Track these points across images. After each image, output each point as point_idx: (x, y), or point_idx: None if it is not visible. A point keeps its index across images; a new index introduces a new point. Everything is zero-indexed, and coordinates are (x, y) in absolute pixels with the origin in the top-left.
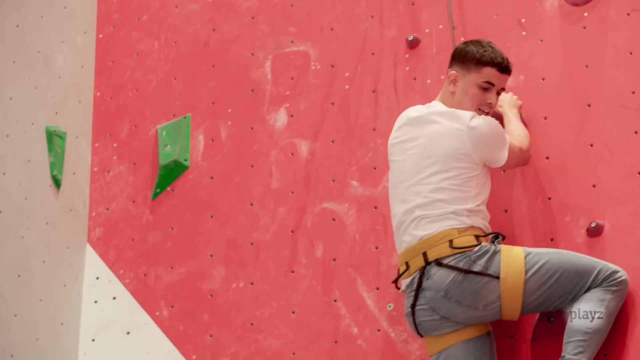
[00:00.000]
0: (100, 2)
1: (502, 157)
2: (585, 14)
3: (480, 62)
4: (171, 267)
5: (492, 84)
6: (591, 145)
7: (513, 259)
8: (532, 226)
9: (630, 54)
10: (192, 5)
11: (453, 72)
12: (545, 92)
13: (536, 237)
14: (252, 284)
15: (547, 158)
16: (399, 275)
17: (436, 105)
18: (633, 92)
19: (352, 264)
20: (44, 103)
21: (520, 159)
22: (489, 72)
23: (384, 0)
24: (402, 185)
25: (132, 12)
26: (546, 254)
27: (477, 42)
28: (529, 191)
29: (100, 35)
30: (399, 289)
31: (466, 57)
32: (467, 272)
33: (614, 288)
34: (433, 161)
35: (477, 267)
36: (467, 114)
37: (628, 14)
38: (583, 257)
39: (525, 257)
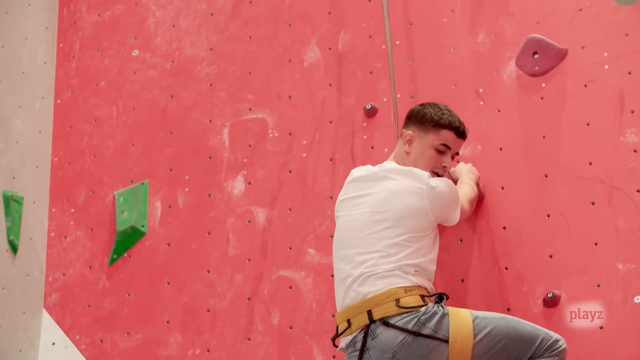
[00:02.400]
0: (58, 67)
1: (456, 217)
2: (543, 85)
3: (438, 124)
4: (127, 333)
5: (449, 147)
6: (548, 216)
7: (461, 322)
8: (489, 296)
9: (587, 125)
10: (151, 71)
11: (409, 132)
12: (502, 162)
13: (493, 307)
14: (208, 351)
15: (504, 228)
16: (339, 333)
17: (390, 164)
18: (590, 164)
19: (309, 332)
20: (1, 168)
21: (465, 217)
22: (447, 135)
23: (341, 69)
24: (349, 239)
25: (91, 78)
26: (493, 319)
27: (435, 105)
28: (485, 261)
29: (59, 101)
30: (336, 347)
31: (424, 118)
32: (417, 334)
33: (555, 358)
34: (386, 216)
35: (426, 330)
36: (424, 173)
37: (585, 86)
38: (527, 324)
39: (473, 321)
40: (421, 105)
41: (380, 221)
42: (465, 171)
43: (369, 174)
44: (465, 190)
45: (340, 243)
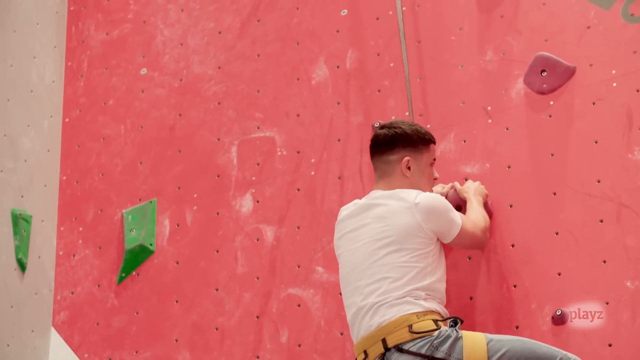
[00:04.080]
0: (66, 85)
1: (453, 230)
2: (551, 103)
3: (426, 140)
4: (136, 352)
5: (435, 159)
6: (556, 234)
7: (475, 345)
8: (498, 313)
9: (596, 142)
10: (159, 90)
11: (407, 157)
12: (511, 180)
13: (501, 324)
14: None
15: (513, 246)
16: None
17: (375, 193)
18: (598, 181)
19: (317, 350)
20: (9, 186)
21: (474, 241)
22: (433, 148)
23: (350, 87)
24: (354, 272)
25: (99, 96)
26: (508, 342)
27: (406, 123)
28: (494, 279)
29: (67, 119)
30: None
31: (412, 139)
32: (430, 358)
33: None
34: (388, 241)
35: (439, 354)
36: (411, 193)
37: (593, 103)
38: (543, 345)
39: (487, 343)
40: (396, 128)
41: (383, 247)
42: (472, 191)
43: (359, 207)
44: (473, 216)
45: (347, 278)
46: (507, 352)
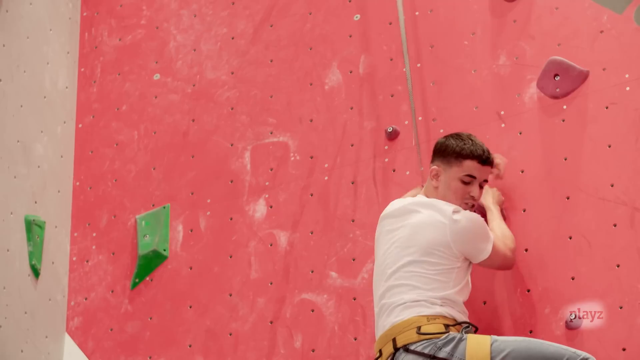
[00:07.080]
0: (80, 91)
1: (484, 253)
2: (564, 107)
3: (460, 155)
4: (150, 357)
5: (474, 177)
6: (570, 238)
7: (479, 347)
8: (512, 318)
9: (609, 146)
10: (172, 95)
11: (435, 167)
12: (524, 184)
13: (515, 328)
14: None
15: (526, 250)
16: None
17: (419, 198)
18: (612, 185)
19: (331, 355)
20: (23, 192)
21: (504, 262)
22: (470, 165)
23: (363, 92)
24: (382, 273)
25: (112, 102)
26: (513, 342)
27: (457, 136)
28: (508, 283)
29: (80, 125)
30: None
31: (446, 151)
32: (433, 357)
33: None
34: (413, 250)
35: (442, 354)
36: (449, 207)
37: (607, 107)
38: (551, 345)
39: (491, 344)
40: (445, 137)
41: (409, 255)
42: (491, 198)
43: (400, 208)
44: (503, 234)
45: (377, 277)
46: (510, 352)
